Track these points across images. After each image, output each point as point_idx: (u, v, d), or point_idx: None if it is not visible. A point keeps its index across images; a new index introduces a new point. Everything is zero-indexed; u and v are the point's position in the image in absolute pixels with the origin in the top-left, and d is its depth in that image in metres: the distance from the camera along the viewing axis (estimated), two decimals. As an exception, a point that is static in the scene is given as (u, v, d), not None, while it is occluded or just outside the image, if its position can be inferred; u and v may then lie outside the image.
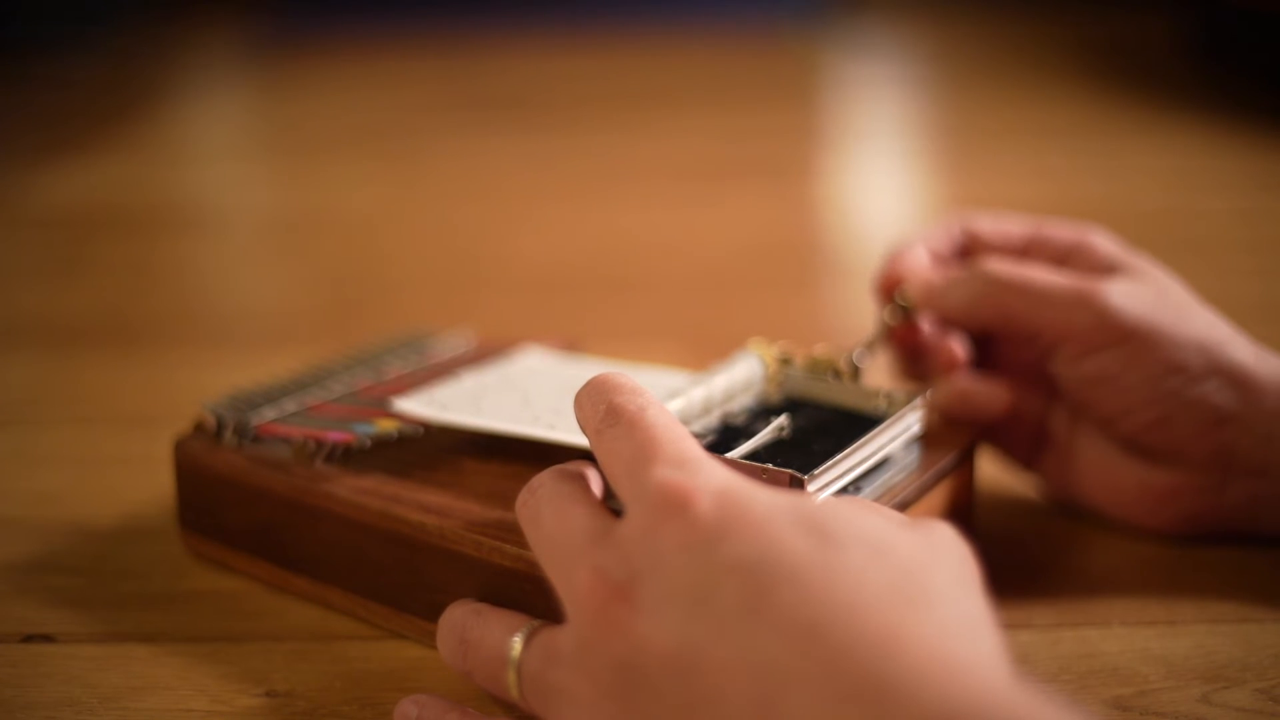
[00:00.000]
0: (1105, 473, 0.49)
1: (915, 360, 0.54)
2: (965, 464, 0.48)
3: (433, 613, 0.41)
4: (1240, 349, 0.46)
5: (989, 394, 0.50)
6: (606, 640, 0.31)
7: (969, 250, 0.54)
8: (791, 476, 0.39)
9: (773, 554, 0.30)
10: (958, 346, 0.51)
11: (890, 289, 0.52)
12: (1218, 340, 0.46)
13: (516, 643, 0.36)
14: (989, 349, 0.53)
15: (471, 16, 2.25)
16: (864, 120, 1.57)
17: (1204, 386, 0.46)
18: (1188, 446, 0.47)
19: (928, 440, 0.46)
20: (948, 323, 0.51)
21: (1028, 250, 0.52)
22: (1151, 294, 0.47)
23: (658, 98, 1.60)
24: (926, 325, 0.53)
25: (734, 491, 0.32)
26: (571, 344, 0.58)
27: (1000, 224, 0.53)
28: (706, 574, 0.30)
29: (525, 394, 0.49)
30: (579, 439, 0.44)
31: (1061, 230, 0.52)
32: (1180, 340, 0.46)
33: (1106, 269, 0.49)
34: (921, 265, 0.52)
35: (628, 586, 0.31)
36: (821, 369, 0.49)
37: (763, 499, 0.32)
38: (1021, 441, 0.52)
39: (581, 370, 0.52)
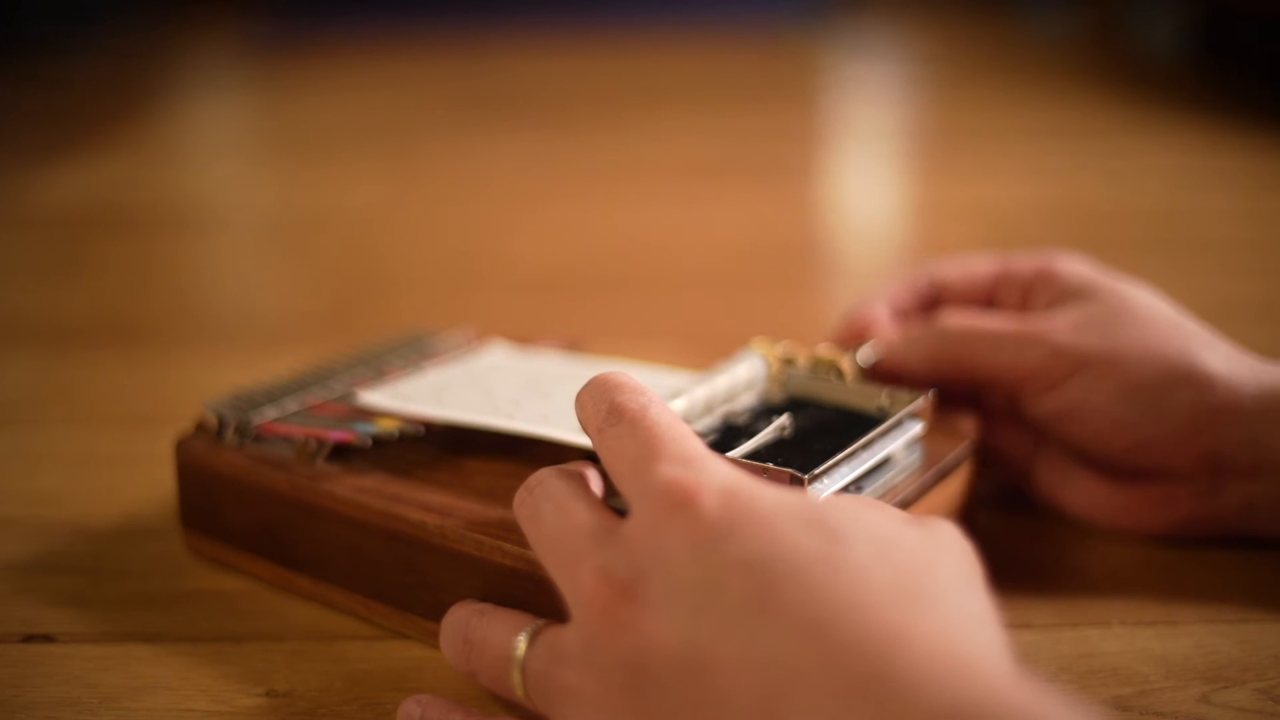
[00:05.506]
0: (1101, 500, 0.50)
1: None
2: (966, 464, 0.48)
3: (434, 612, 0.41)
4: (1207, 354, 0.46)
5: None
6: (613, 639, 0.31)
7: (937, 300, 0.54)
8: (791, 476, 0.39)
9: (778, 551, 0.30)
10: None
11: (849, 345, 0.52)
12: (1181, 350, 0.46)
13: (521, 642, 0.36)
14: (981, 410, 0.53)
15: (471, 16, 2.25)
16: (863, 120, 1.57)
17: (1172, 398, 0.46)
18: (1172, 459, 0.47)
19: (929, 440, 0.46)
20: (913, 380, 0.51)
21: (995, 288, 0.53)
22: (1101, 318, 0.47)
23: (658, 98, 1.60)
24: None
25: (739, 489, 0.32)
26: (572, 344, 0.58)
27: (966, 268, 0.54)
28: (712, 572, 0.30)
29: (488, 387, 0.50)
30: (540, 429, 0.44)
31: (1025, 262, 0.52)
32: (1137, 356, 0.46)
33: (1070, 295, 0.49)
34: (881, 324, 0.53)
35: (633, 585, 0.31)
36: (824, 368, 0.49)
37: (768, 496, 0.32)
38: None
39: (546, 367, 0.53)
